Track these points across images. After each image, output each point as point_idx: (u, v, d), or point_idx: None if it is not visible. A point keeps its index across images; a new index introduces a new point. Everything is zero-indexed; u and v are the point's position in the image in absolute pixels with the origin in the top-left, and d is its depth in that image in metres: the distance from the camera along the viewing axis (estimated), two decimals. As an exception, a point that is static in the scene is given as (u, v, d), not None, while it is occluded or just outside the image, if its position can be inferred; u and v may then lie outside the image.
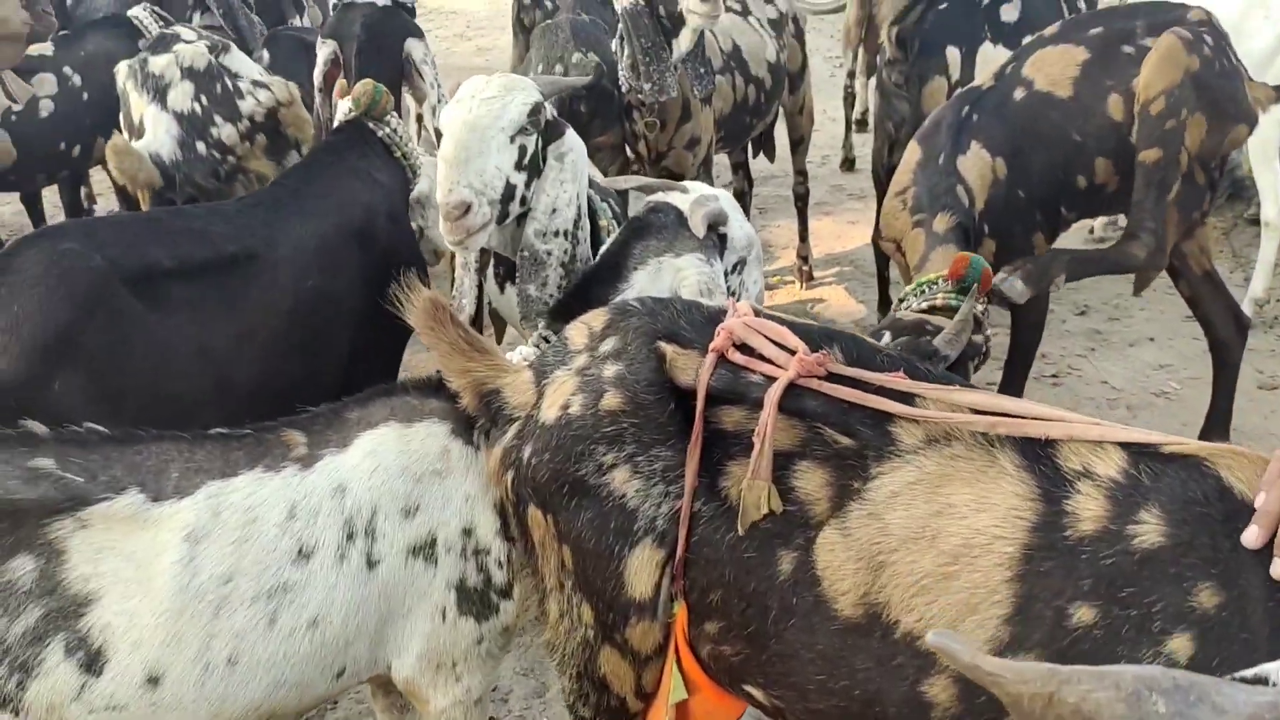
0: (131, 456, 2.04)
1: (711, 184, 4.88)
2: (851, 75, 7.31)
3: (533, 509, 2.02)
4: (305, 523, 2.08)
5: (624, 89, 4.50)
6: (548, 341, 2.44)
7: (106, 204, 5.76)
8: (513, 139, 2.63)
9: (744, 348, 1.89)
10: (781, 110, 5.55)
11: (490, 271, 3.26)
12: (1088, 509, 1.58)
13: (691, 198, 2.61)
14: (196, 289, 2.78)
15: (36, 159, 5.12)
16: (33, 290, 2.52)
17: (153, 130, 3.76)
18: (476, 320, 4.08)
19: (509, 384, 2.11)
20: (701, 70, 4.43)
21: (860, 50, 7.21)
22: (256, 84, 3.96)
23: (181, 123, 3.76)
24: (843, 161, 7.42)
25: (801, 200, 5.85)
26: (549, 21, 4.97)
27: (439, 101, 4.01)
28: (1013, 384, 3.99)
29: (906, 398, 1.78)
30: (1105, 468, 1.62)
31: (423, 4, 12.84)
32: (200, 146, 3.77)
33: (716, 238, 2.59)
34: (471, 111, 2.60)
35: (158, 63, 3.83)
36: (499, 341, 4.19)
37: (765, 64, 5.08)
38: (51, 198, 6.23)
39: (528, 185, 2.70)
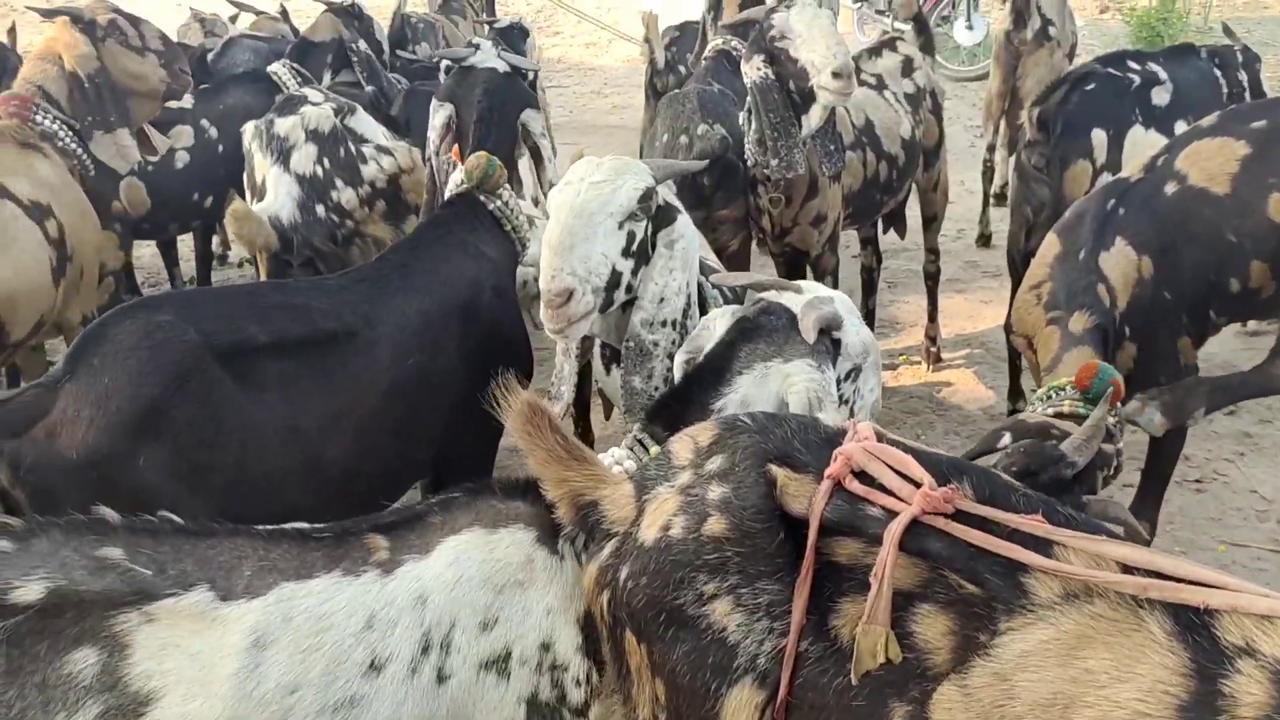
0: (204, 550, 1.96)
1: (837, 260, 4.75)
2: (991, 149, 7.07)
3: (629, 634, 1.89)
4: (382, 634, 1.97)
5: (750, 163, 4.39)
6: (642, 445, 2.31)
7: (238, 252, 5.88)
8: (621, 225, 2.53)
9: (863, 475, 1.74)
10: (915, 186, 5.36)
11: (596, 351, 3.16)
12: (1249, 694, 1.38)
13: (805, 299, 2.46)
14: (291, 366, 2.73)
15: (171, 208, 5.25)
16: (124, 362, 2.50)
17: (274, 192, 3.77)
18: (579, 416, 4.00)
19: (608, 497, 1.98)
20: (831, 148, 4.29)
21: (1002, 123, 7.00)
22: (380, 149, 3.95)
23: (303, 185, 3.76)
24: (979, 237, 7.15)
25: (932, 279, 5.64)
26: (676, 91, 4.89)
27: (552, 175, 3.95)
28: (1151, 490, 3.72)
29: (1044, 546, 1.60)
30: (1273, 646, 1.41)
31: (561, 60, 13.08)
32: (320, 210, 3.76)
33: (830, 343, 2.43)
34: (579, 195, 2.50)
35: (283, 125, 3.85)
36: (606, 418, 4.07)
37: (899, 140, 4.92)
38: (188, 241, 6.39)
39: (635, 272, 2.59)
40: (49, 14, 4.38)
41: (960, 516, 1.66)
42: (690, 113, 4.60)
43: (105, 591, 1.84)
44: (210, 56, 5.84)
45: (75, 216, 4.22)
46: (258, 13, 7.08)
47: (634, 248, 2.57)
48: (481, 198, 3.31)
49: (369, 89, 5.34)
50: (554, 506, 2.06)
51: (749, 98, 4.26)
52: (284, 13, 6.86)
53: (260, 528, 2.05)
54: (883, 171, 4.86)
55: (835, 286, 4.77)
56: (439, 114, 4.01)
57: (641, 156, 4.98)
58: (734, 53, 5.18)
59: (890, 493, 1.71)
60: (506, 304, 3.22)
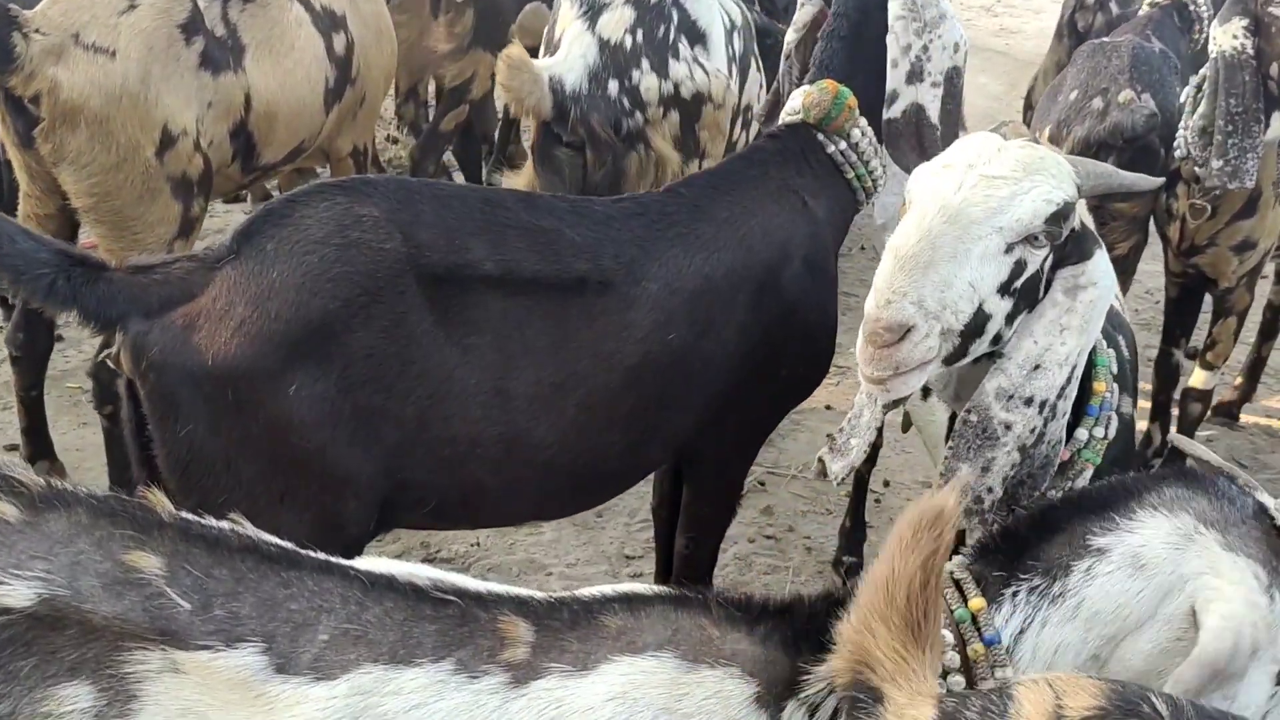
0: (273, 588, 1.35)
1: (1250, 302, 3.72)
2: None
3: None
4: None
5: (1178, 153, 3.46)
6: (959, 591, 1.53)
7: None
8: (1010, 248, 1.68)
9: None
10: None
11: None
12: None
13: None
14: (517, 309, 2.10)
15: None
16: (303, 257, 1.94)
17: (567, 49, 3.11)
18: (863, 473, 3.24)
19: (896, 704, 1.21)
20: (1298, 163, 3.24)
21: None
22: (698, 61, 3.24)
23: (603, 52, 3.08)
24: None
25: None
26: (1106, 40, 3.86)
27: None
28: None
29: None
30: None
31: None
32: (613, 87, 3.08)
33: None
34: (960, 190, 1.66)
35: None
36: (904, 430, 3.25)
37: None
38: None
39: (1010, 320, 1.74)
40: None
41: None
42: (1116, 71, 3.67)
43: (119, 617, 1.27)
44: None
45: (371, 35, 3.81)
46: None
47: (1019, 284, 1.71)
48: (820, 136, 2.53)
49: None
50: (830, 652, 1.34)
51: (1208, 70, 3.31)
52: None
53: (364, 570, 1.41)
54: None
55: (1238, 333, 3.76)
56: (805, 8, 3.18)
57: (1030, 106, 4.04)
58: (1191, 5, 4.12)
59: None
60: (819, 282, 2.46)
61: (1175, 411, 3.91)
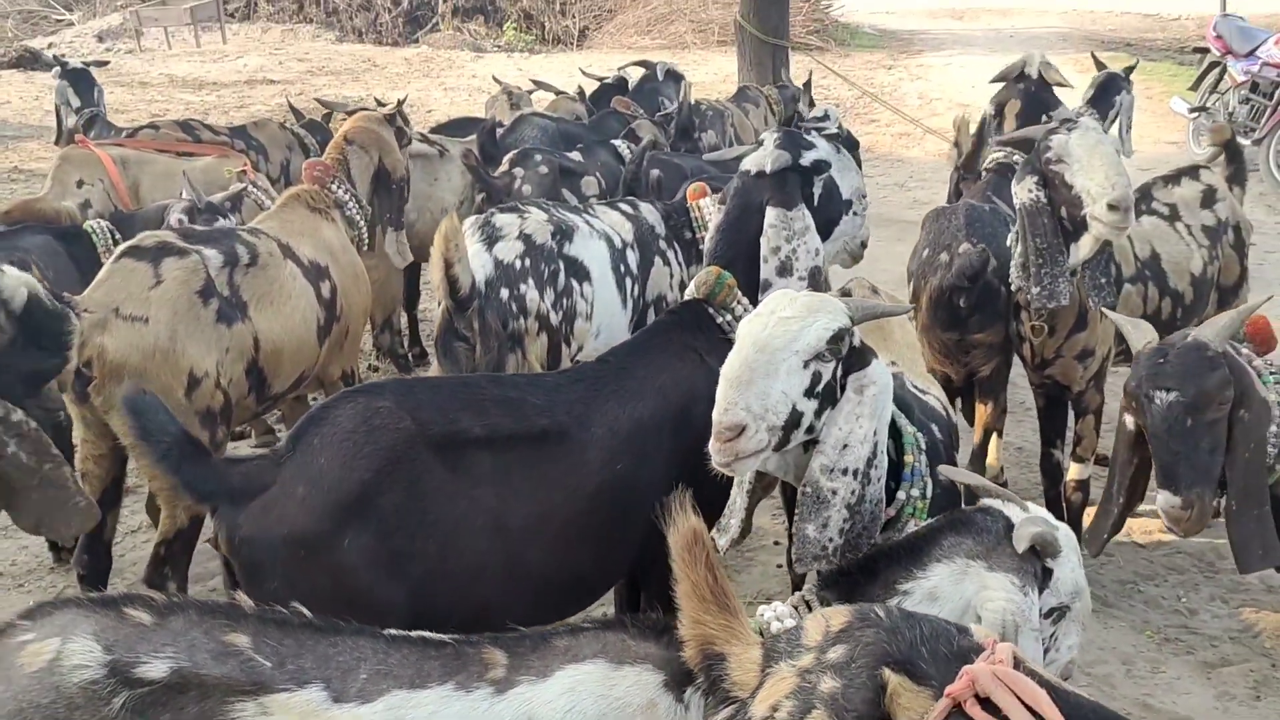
0: (325, 648, 1.98)
1: (1102, 401, 4.37)
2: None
3: None
4: None
5: (1013, 288, 4.13)
6: (809, 608, 2.17)
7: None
8: (806, 364, 2.40)
9: (987, 703, 1.56)
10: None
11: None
12: None
13: (1028, 515, 2.27)
14: (502, 461, 2.72)
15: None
16: (340, 444, 2.56)
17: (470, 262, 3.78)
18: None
19: (737, 656, 1.86)
20: (1103, 280, 3.95)
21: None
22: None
23: (498, 268, 3.77)
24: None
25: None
26: (944, 206, 4.68)
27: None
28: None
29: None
30: None
31: (871, 149, 12.89)
32: (504, 293, 3.74)
33: (1040, 569, 2.22)
34: (766, 329, 2.39)
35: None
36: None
37: (1189, 276, 4.50)
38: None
39: (818, 414, 2.45)
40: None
41: None
42: (955, 229, 4.42)
43: (225, 677, 1.88)
44: (500, 132, 6.11)
45: (349, 280, 4.50)
46: (557, 92, 7.39)
47: (819, 389, 2.43)
48: (710, 310, 3.24)
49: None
50: (683, 646, 1.94)
51: (1017, 220, 4.02)
52: (581, 94, 7.13)
53: (385, 631, 2.05)
54: (1165, 308, 4.45)
55: (1098, 427, 4.42)
56: (715, 216, 3.90)
57: (909, 267, 4.80)
58: (1015, 168, 4.92)
59: (1015, 730, 1.52)
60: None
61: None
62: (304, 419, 2.69)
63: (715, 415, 2.37)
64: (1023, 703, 1.54)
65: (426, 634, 2.07)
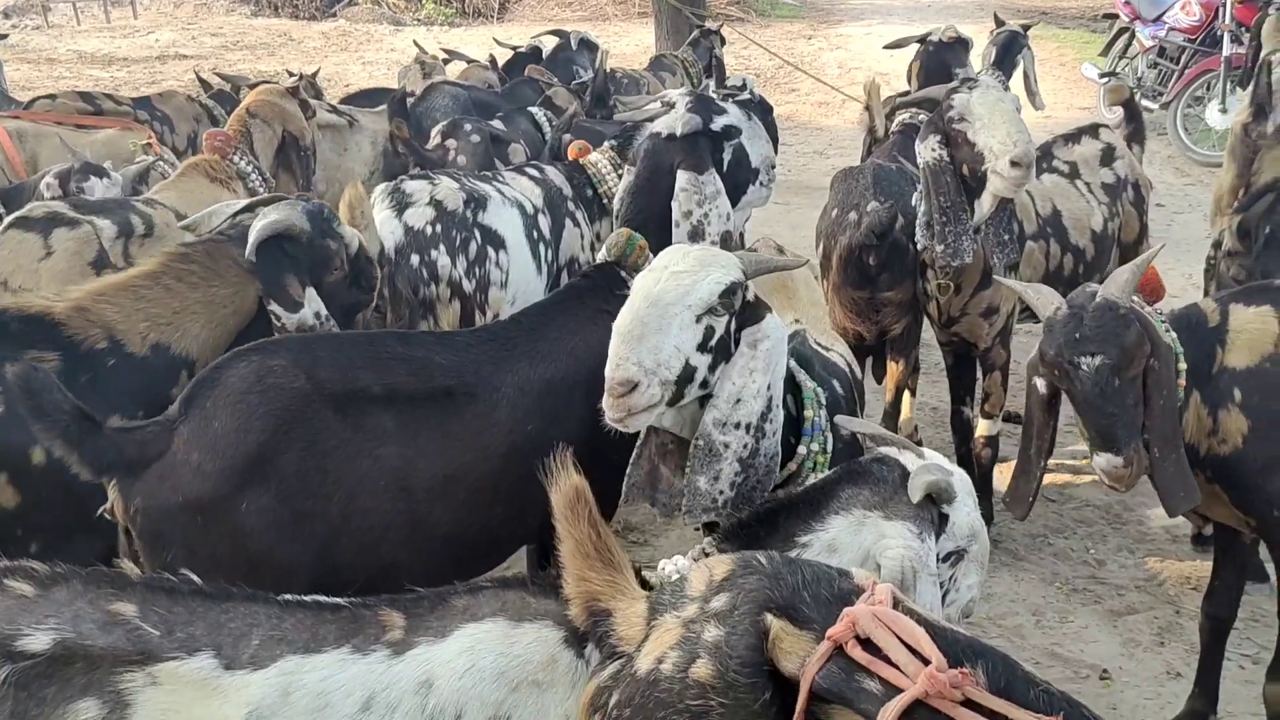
0: (216, 615, 1.93)
1: (1008, 357, 4.43)
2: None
3: None
4: (380, 716, 1.90)
5: (919, 246, 4.18)
6: (707, 557, 2.17)
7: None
8: (699, 318, 2.38)
9: (869, 643, 1.57)
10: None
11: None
12: None
13: (923, 463, 2.28)
14: (405, 420, 2.68)
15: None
16: (234, 407, 2.51)
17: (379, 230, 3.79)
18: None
19: (622, 611, 1.86)
20: (1005, 237, 4.00)
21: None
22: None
23: (409, 234, 3.81)
24: (1198, 338, 6.56)
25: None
26: (852, 166, 4.71)
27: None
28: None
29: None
30: None
31: (791, 117, 12.95)
32: (415, 259, 3.77)
33: (936, 515, 2.24)
34: (658, 284, 2.38)
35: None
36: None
37: (1089, 232, 4.57)
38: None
39: (712, 369, 2.44)
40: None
41: (969, 705, 1.49)
42: (863, 189, 4.44)
43: (111, 648, 1.83)
44: (410, 101, 6.03)
45: None
46: (469, 61, 7.30)
47: (713, 343, 2.42)
48: (622, 273, 3.21)
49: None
50: (568, 604, 1.93)
51: (921, 179, 4.05)
52: (493, 62, 7.05)
53: (280, 596, 2.01)
54: (1067, 264, 4.52)
55: (1005, 384, 4.49)
56: (626, 178, 3.91)
57: (819, 227, 4.82)
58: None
59: (895, 666, 1.54)
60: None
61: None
62: (195, 381, 2.63)
63: (607, 371, 2.35)
64: (902, 641, 1.55)
65: (321, 598, 2.04)
